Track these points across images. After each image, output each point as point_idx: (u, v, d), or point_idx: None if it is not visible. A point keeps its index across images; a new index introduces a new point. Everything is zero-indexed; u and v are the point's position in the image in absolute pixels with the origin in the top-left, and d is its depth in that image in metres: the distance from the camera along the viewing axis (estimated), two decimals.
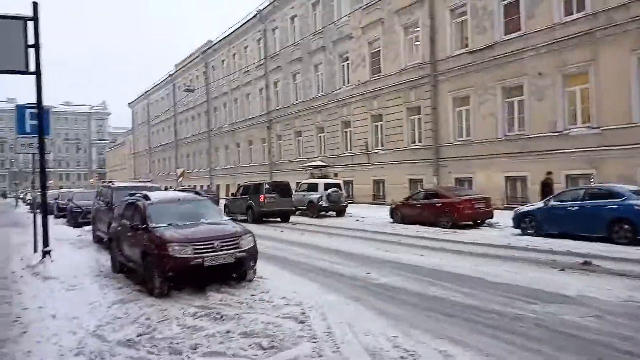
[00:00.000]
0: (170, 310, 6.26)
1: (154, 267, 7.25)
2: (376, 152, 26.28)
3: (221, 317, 5.91)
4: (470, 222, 14.97)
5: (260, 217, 19.17)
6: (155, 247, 7.30)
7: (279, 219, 20.03)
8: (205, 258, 7.15)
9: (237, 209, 20.63)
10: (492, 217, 15.25)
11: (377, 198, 26.09)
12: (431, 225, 15.14)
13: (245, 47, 40.38)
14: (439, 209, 15.15)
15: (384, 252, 10.76)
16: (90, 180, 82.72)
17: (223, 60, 44.55)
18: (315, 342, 4.98)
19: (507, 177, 19.58)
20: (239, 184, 25.45)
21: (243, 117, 41.33)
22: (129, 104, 73.47)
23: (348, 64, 28.60)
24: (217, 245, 7.35)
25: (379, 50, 26.10)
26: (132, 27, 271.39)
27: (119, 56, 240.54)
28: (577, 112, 17.45)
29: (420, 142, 23.77)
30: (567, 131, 17.34)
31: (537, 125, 18.36)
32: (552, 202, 12.36)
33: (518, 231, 13.10)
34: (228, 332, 5.34)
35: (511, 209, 16.05)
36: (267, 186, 19.84)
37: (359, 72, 27.46)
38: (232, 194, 23.36)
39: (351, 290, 7.31)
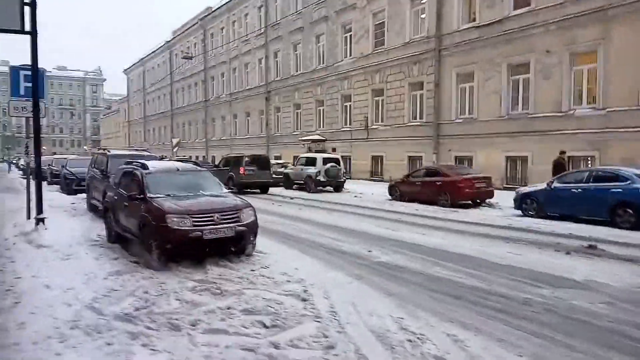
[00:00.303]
0: (168, 283, 6.09)
1: (151, 238, 7.07)
2: (376, 128, 25.96)
3: (221, 292, 5.75)
4: (470, 202, 14.83)
5: (240, 189, 19.03)
6: (153, 218, 7.10)
7: (258, 190, 20.55)
8: (204, 231, 6.96)
9: (219, 179, 20.60)
10: (492, 197, 15.11)
11: (375, 174, 25.91)
12: (430, 203, 15.00)
13: (246, 15, 39.42)
14: (438, 188, 14.98)
15: (385, 229, 10.61)
16: (85, 147, 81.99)
17: (222, 28, 43.57)
18: (319, 321, 4.84)
19: (507, 157, 19.39)
20: (222, 156, 25.59)
21: (241, 87, 40.67)
22: (125, 70, 72.16)
23: (351, 35, 27.97)
24: (217, 218, 7.16)
25: (384, 22, 25.48)
26: None
27: (115, 21, 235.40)
28: (583, 92, 17.16)
29: (421, 118, 23.46)
30: (572, 111, 17.07)
31: (541, 104, 18.07)
32: (556, 184, 12.19)
33: (519, 212, 12.97)
34: (229, 308, 5.18)
35: (511, 189, 15.93)
36: (247, 159, 20.65)
37: (362, 45, 26.88)
38: (215, 165, 23.49)
39: (353, 268, 7.17)
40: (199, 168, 9.27)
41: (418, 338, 4.39)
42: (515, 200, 13.12)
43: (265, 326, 4.71)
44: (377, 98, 26.20)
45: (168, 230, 6.83)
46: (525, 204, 12.75)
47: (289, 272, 6.64)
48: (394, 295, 5.77)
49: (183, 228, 6.87)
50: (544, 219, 12.06)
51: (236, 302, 5.36)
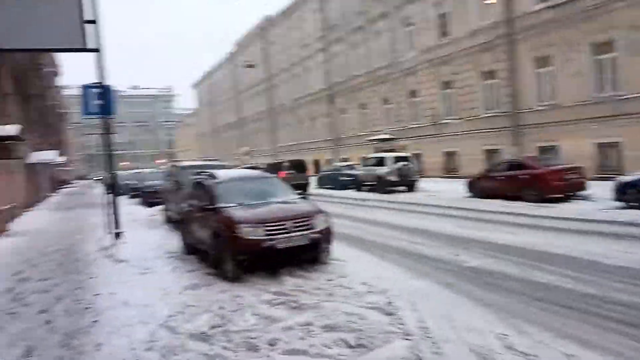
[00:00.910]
0: (244, 296, 5.80)
1: (224, 249, 6.85)
2: (447, 122, 24.81)
3: (298, 305, 5.36)
4: (561, 195, 13.50)
5: None
6: (225, 229, 6.88)
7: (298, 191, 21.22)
8: (277, 240, 6.63)
9: None
10: (584, 189, 13.69)
11: (449, 171, 24.72)
12: (515, 199, 13.84)
13: (304, 20, 39.49)
14: (524, 181, 13.78)
15: (468, 230, 9.79)
16: (160, 160, 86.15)
17: (282, 35, 43.97)
18: (409, 339, 4.29)
19: (597, 144, 17.67)
20: (267, 164, 26.68)
21: (304, 92, 40.75)
22: (194, 85, 75.09)
23: (412, 29, 27.02)
24: (290, 226, 6.80)
25: (447, 12, 24.36)
26: (194, 11, 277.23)
27: (183, 37, 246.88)
28: None
29: (496, 109, 22.06)
30: None
31: (633, 84, 16.27)
32: None
33: (619, 204, 11.58)
34: (308, 324, 4.77)
35: (603, 179, 14.43)
36: (286, 164, 23.00)
37: (425, 37, 25.86)
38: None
39: (440, 274, 6.52)
40: (267, 174, 8.99)
41: None
42: (615, 190, 11.73)
43: (349, 346, 4.24)
44: (445, 91, 25.06)
45: (240, 240, 6.57)
46: (628, 194, 11.35)
47: (369, 281, 6.13)
48: (492, 306, 5.08)
49: (256, 238, 6.59)
50: None
51: (315, 317, 4.93)
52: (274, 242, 6.61)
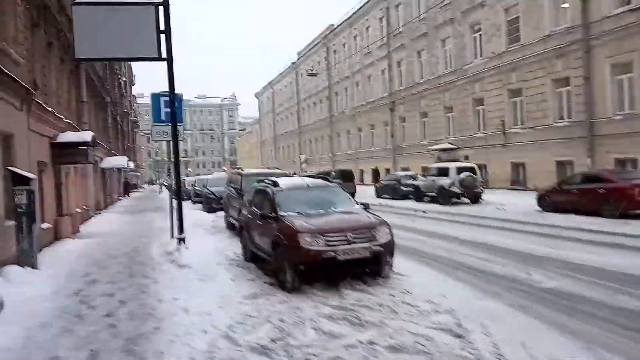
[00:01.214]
0: (303, 309, 5.64)
1: (284, 258, 6.74)
2: (515, 132, 23.67)
3: (360, 322, 5.11)
4: None
5: None
6: (285, 238, 6.78)
7: None
8: (338, 251, 6.44)
9: None
10: None
11: (516, 183, 23.52)
12: (591, 214, 12.88)
13: (367, 28, 39.35)
14: (602, 196, 12.79)
15: (542, 247, 9.13)
16: (223, 168, 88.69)
17: (344, 44, 44.06)
18: None
19: None
20: (316, 173, 26.47)
21: (364, 100, 40.51)
22: (256, 93, 76.92)
23: (480, 35, 26.13)
24: (351, 237, 6.60)
25: (517, 17, 23.33)
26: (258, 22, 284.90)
27: (244, 47, 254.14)
28: None
29: (569, 118, 20.78)
30: None
31: None
32: None
33: None
34: (371, 343, 4.52)
35: None
36: (333, 173, 24.50)
37: (494, 43, 24.90)
38: None
39: (512, 295, 6.05)
40: (328, 183, 8.83)
41: None
42: None
43: None
44: (514, 99, 23.96)
45: (301, 250, 6.44)
46: None
47: (435, 299, 5.79)
48: (574, 334, 4.61)
49: (316, 248, 6.43)
50: None
51: (379, 336, 4.68)
52: (334, 253, 6.43)
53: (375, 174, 36.72)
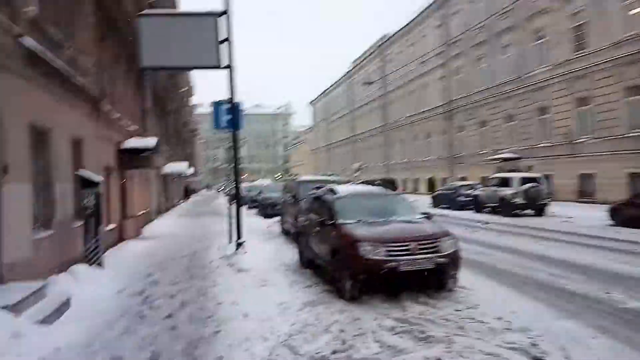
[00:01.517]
0: (364, 320, 5.45)
1: (343, 267, 6.58)
2: (582, 142, 22.38)
3: (426, 337, 4.85)
4: None
5: None
6: (344, 246, 6.64)
7: None
8: (400, 262, 6.20)
9: None
10: None
11: (585, 195, 22.14)
12: None
13: (423, 36, 38.76)
14: None
15: (618, 264, 8.45)
16: (277, 175, 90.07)
17: (399, 52, 43.59)
18: None
19: None
20: (362, 181, 27.19)
21: (420, 109, 39.81)
22: (310, 102, 77.64)
23: (543, 42, 25.01)
24: (414, 247, 6.33)
25: (584, 24, 22.14)
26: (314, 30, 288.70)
27: (304, 57, 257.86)
28: None
29: None
30: None
31: None
32: None
33: None
34: None
35: None
36: (377, 182, 24.90)
37: (558, 51, 23.74)
38: None
39: (591, 315, 5.57)
40: (389, 192, 8.61)
41: None
42: None
43: None
44: (581, 108, 22.68)
45: (360, 259, 6.26)
46: None
47: (505, 316, 5.43)
48: None
49: (377, 258, 6.23)
50: None
51: (447, 353, 4.41)
52: (396, 263, 6.21)
53: (431, 183, 35.90)
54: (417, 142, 41.00)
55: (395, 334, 5.01)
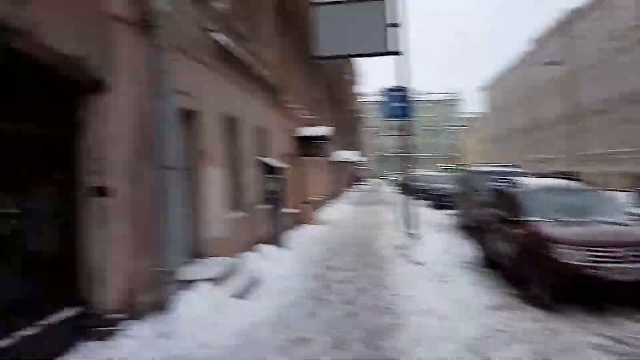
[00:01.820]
0: (563, 333, 4.82)
1: (532, 270, 5.94)
2: None
3: None
4: None
5: None
6: (534, 247, 5.98)
7: None
8: (607, 269, 5.34)
9: None
10: None
11: None
12: None
13: (619, 8, 33.25)
14: None
15: None
16: (443, 165, 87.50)
17: (589, 29, 38.15)
18: None
19: None
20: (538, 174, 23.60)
21: (617, 92, 34.36)
22: (481, 87, 73.27)
23: None
24: (626, 254, 5.38)
25: None
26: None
27: (467, 38, 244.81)
28: None
29: None
30: None
31: None
32: None
33: None
34: None
35: None
36: (558, 174, 21.00)
37: None
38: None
39: None
40: (587, 187, 7.50)
41: None
42: None
43: None
44: None
45: (555, 263, 5.56)
46: None
47: None
48: None
49: (576, 263, 5.44)
50: None
51: None
52: (601, 270, 5.34)
53: (636, 179, 30.82)
54: (617, 131, 35.39)
55: (608, 354, 4.28)
